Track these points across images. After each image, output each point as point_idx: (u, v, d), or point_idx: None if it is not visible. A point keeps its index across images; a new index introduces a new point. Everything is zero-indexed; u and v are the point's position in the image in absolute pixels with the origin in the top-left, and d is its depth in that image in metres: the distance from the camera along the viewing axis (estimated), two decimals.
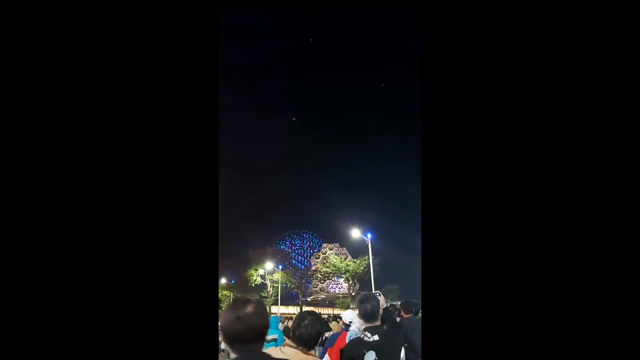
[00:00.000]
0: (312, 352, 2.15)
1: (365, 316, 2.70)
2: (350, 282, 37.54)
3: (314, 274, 48.94)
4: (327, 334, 5.16)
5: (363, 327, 2.77)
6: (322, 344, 3.97)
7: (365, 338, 2.59)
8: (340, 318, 4.53)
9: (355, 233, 24.84)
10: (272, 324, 5.19)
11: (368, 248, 23.95)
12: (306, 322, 2.17)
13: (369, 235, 23.96)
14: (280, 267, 40.40)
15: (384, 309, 2.90)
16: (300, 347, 2.09)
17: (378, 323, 2.69)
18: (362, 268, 34.27)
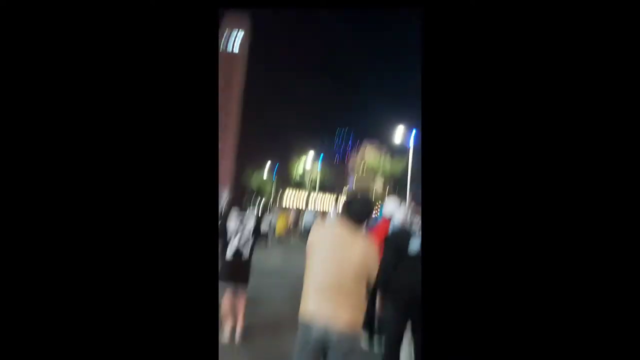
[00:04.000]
0: (363, 226, 2.19)
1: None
2: (384, 184, 37.47)
3: (350, 172, 50.33)
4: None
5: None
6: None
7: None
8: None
9: (400, 130, 23.42)
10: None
11: (409, 147, 22.77)
12: (358, 197, 2.25)
13: (414, 132, 22.26)
14: (321, 157, 40.78)
15: None
16: (351, 220, 2.13)
17: None
18: (400, 169, 33.82)
